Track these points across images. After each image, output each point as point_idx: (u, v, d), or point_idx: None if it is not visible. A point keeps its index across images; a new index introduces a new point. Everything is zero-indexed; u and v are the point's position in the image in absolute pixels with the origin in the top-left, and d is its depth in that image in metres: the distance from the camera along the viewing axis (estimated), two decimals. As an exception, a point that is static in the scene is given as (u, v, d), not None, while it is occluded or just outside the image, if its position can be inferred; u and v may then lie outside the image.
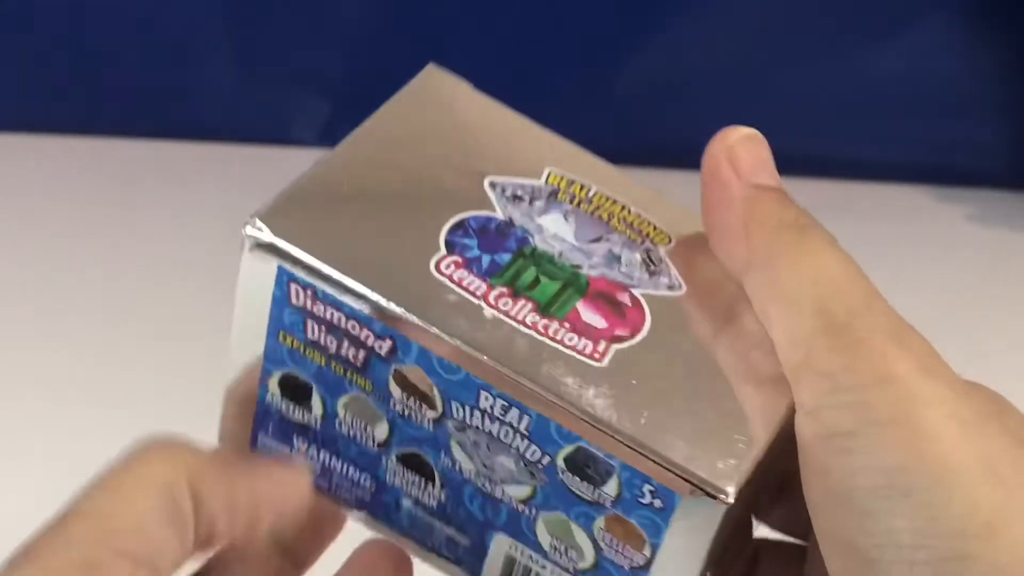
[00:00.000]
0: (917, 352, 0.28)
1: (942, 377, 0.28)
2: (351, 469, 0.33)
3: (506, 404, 0.29)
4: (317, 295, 0.31)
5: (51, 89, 1.02)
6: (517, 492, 0.31)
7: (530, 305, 0.30)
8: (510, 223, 0.33)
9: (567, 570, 0.31)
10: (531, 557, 0.31)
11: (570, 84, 1.01)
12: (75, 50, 1.01)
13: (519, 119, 0.38)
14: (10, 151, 1.01)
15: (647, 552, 0.29)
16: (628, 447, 0.28)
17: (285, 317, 0.32)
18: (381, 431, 0.32)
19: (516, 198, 0.34)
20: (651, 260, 0.33)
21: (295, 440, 0.34)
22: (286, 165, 1.00)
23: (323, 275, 0.31)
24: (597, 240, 0.34)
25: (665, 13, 1.00)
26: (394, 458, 0.32)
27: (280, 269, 0.31)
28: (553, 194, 0.35)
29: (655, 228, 0.35)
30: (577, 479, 0.29)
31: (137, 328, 0.79)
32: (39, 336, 0.76)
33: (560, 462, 0.29)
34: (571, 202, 0.35)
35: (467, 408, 0.30)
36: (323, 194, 0.33)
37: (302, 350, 0.32)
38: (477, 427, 0.30)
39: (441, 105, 0.38)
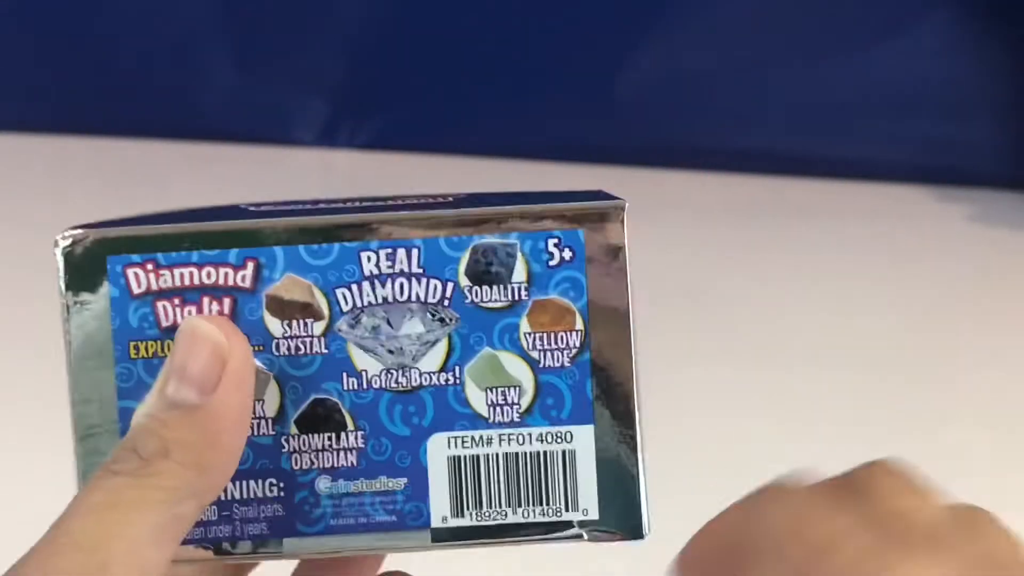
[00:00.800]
0: None
1: None
2: (252, 484, 0.31)
3: (389, 251, 0.29)
4: (159, 263, 0.30)
5: (51, 89, 1.02)
6: (434, 359, 0.30)
7: (353, 205, 0.31)
8: (297, 202, 0.33)
9: (512, 422, 0.30)
10: (473, 439, 0.30)
11: (570, 85, 1.02)
12: (76, 50, 1.02)
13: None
14: (10, 151, 1.01)
15: (579, 324, 0.29)
16: (518, 215, 0.29)
17: (131, 317, 0.30)
18: (271, 399, 0.30)
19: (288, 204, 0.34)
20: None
21: None
22: (286, 165, 1.01)
23: (160, 236, 0.30)
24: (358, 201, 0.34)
25: (664, 15, 1.00)
26: (293, 428, 0.30)
27: (111, 261, 0.30)
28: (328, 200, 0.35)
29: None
30: (486, 288, 0.29)
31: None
32: (36, 337, 0.76)
33: (463, 280, 0.29)
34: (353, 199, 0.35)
35: (353, 288, 0.30)
36: (107, 221, 0.32)
37: (159, 349, 0.30)
38: (370, 303, 0.29)
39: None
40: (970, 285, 0.90)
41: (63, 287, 0.30)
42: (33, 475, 0.62)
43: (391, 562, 0.34)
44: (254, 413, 0.30)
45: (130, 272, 0.30)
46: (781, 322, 0.79)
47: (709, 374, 0.73)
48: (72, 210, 0.93)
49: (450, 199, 0.32)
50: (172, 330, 0.30)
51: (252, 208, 0.32)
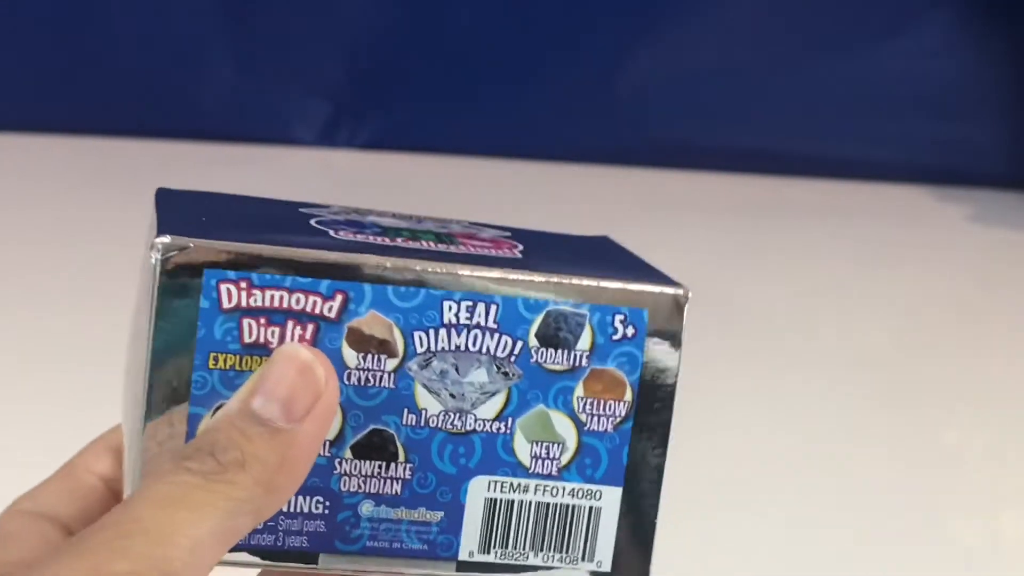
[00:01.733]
0: None
1: None
2: (300, 500, 0.32)
3: (470, 303, 0.31)
4: (253, 283, 0.31)
5: (54, 90, 1.04)
6: (492, 408, 0.31)
7: (430, 243, 0.32)
8: (351, 218, 0.34)
9: (550, 475, 0.32)
10: (511, 486, 0.32)
11: (571, 87, 1.03)
12: (78, 52, 1.03)
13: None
14: (14, 151, 1.02)
15: (628, 396, 0.31)
16: (594, 287, 0.31)
17: (216, 330, 0.31)
18: (333, 423, 0.31)
19: (335, 215, 0.35)
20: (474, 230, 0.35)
21: None
22: (286, 165, 1.01)
23: (258, 256, 0.30)
24: (420, 221, 0.35)
25: (666, 18, 1.01)
26: (348, 453, 0.32)
27: (207, 274, 0.31)
28: (356, 211, 0.36)
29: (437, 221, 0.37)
30: (551, 351, 0.31)
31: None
32: (37, 334, 0.76)
33: (532, 340, 0.31)
34: (374, 213, 0.36)
35: (431, 333, 0.31)
36: (192, 222, 0.32)
37: (237, 365, 0.31)
38: (443, 348, 0.31)
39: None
40: (970, 284, 0.91)
41: (155, 292, 0.31)
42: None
43: None
44: None
45: (223, 287, 0.31)
46: (781, 320, 0.79)
47: (707, 371, 0.73)
48: (73, 209, 0.93)
49: (513, 242, 0.34)
50: (253, 347, 0.31)
51: (317, 218, 0.33)
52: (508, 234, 0.35)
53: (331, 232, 0.32)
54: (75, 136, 1.04)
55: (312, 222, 0.33)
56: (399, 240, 0.32)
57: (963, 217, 0.98)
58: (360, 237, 0.32)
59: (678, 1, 1.00)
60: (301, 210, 0.34)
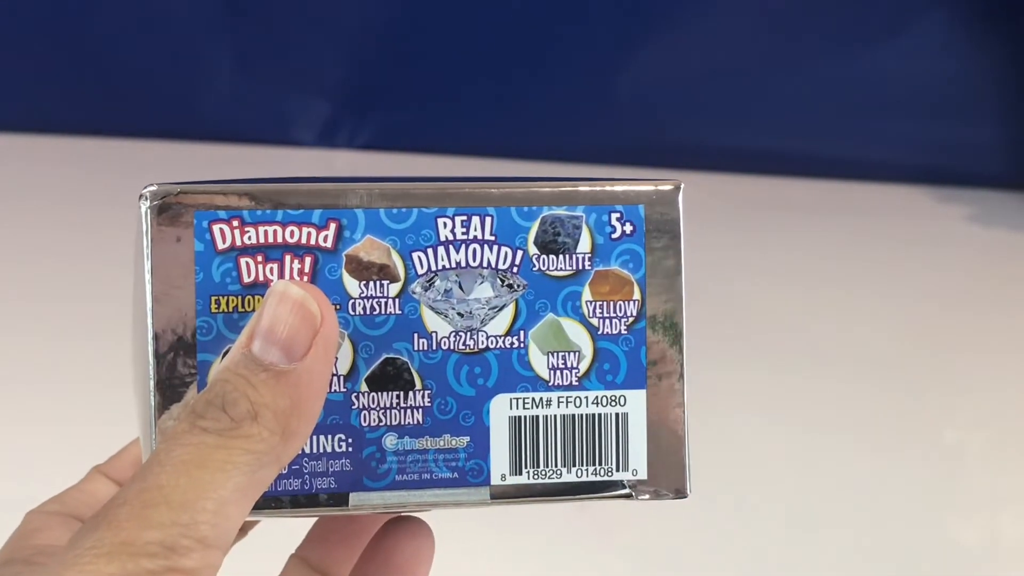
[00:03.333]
0: None
1: None
2: (322, 440, 0.32)
3: (464, 218, 0.31)
4: (245, 220, 0.31)
5: (54, 90, 1.03)
6: (501, 323, 0.31)
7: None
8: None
9: (571, 386, 0.31)
10: (533, 401, 0.31)
11: (571, 87, 1.02)
12: (77, 52, 1.02)
13: None
14: (14, 151, 1.01)
15: (636, 294, 0.31)
16: (586, 188, 0.31)
17: (214, 272, 0.31)
18: (344, 357, 0.31)
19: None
20: None
21: None
22: (286, 165, 1.01)
23: (247, 194, 0.31)
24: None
25: (666, 17, 1.00)
26: (363, 386, 0.31)
27: (198, 216, 0.30)
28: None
29: None
30: (552, 257, 0.31)
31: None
32: (41, 333, 0.76)
33: (532, 248, 0.31)
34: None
35: (429, 252, 0.31)
36: (180, 181, 0.33)
37: (240, 306, 0.31)
38: (444, 267, 0.31)
39: None
40: (970, 284, 0.91)
41: (148, 240, 0.30)
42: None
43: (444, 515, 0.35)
44: None
45: (215, 228, 0.30)
46: (781, 320, 0.79)
47: (706, 371, 0.73)
48: (76, 209, 0.93)
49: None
50: (253, 286, 0.31)
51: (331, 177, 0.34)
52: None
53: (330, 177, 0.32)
54: (75, 136, 1.03)
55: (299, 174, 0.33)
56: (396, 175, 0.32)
57: (963, 217, 0.98)
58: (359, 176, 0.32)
59: (678, 3, 1.00)
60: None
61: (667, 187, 0.32)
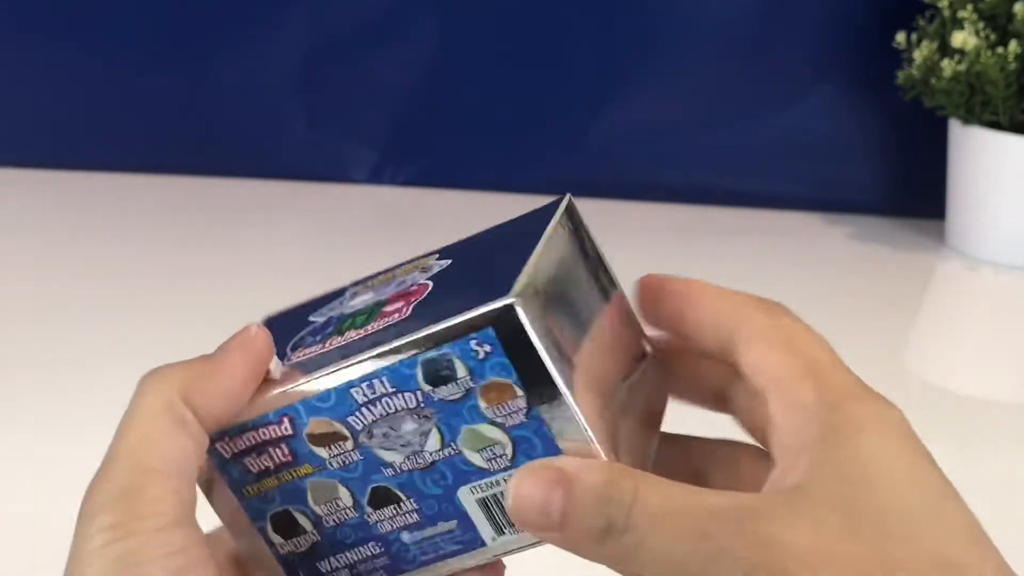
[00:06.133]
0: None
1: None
2: (361, 549, 0.35)
3: (368, 383, 0.33)
4: (231, 435, 0.35)
5: (171, 135, 1.16)
6: (434, 442, 0.33)
7: (354, 333, 0.35)
8: (333, 314, 0.37)
9: (506, 468, 0.33)
10: (487, 484, 0.33)
11: (555, 131, 1.15)
12: (188, 107, 1.15)
13: None
14: (133, 189, 1.10)
15: (518, 392, 0.32)
16: (443, 330, 0.32)
17: (235, 475, 0.35)
18: (344, 496, 0.34)
19: (331, 309, 0.38)
20: (425, 268, 0.37)
21: (322, 565, 0.36)
22: (343, 199, 1.18)
23: (220, 432, 0.34)
24: (387, 284, 0.37)
25: (628, 82, 1.15)
26: (368, 508, 0.35)
27: (212, 447, 0.34)
28: (354, 284, 0.39)
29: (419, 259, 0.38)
30: (443, 388, 0.32)
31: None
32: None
33: (425, 387, 0.32)
34: (369, 284, 0.38)
35: (358, 413, 0.33)
36: None
37: (259, 490, 0.35)
38: (374, 419, 0.33)
39: None
40: (851, 292, 0.99)
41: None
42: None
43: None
44: (339, 507, 0.35)
45: (218, 445, 0.35)
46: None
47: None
48: (176, 242, 1.02)
49: (417, 291, 0.35)
50: (263, 473, 0.35)
51: (311, 326, 0.37)
52: (430, 273, 0.36)
53: (290, 355, 0.35)
54: (169, 175, 1.14)
55: (301, 334, 0.36)
56: (335, 340, 0.35)
57: (844, 236, 1.10)
58: (309, 351, 0.35)
59: (638, 72, 1.13)
60: (311, 317, 0.37)
61: (501, 306, 0.31)
